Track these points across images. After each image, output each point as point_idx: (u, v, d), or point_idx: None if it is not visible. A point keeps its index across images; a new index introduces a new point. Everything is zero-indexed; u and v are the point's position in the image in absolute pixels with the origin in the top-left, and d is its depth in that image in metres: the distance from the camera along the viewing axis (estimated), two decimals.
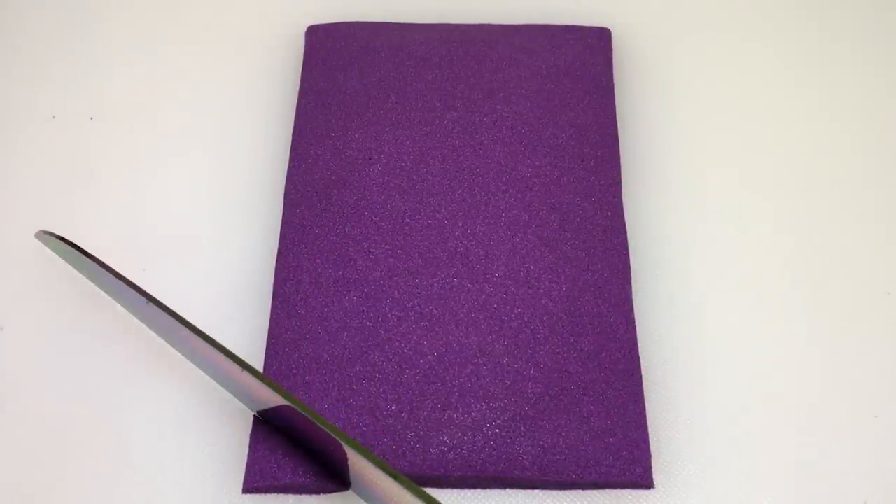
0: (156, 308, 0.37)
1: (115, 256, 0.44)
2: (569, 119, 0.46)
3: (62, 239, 0.40)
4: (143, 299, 0.38)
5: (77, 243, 0.40)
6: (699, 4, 0.54)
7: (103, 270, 0.39)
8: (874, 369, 0.41)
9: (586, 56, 0.49)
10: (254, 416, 0.39)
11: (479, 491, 0.38)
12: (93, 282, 0.43)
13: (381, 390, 0.39)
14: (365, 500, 0.37)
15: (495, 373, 0.39)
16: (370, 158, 0.45)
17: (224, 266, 0.44)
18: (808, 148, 0.48)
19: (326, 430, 0.34)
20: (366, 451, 0.33)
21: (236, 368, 0.36)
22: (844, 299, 0.43)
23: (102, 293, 0.43)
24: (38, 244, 0.44)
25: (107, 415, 0.40)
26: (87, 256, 0.39)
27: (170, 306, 0.43)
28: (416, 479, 0.38)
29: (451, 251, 0.42)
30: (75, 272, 0.44)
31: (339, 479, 0.37)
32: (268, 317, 0.42)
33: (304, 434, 0.37)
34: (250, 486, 0.37)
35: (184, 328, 0.37)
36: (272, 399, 0.36)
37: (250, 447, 0.38)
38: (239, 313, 0.43)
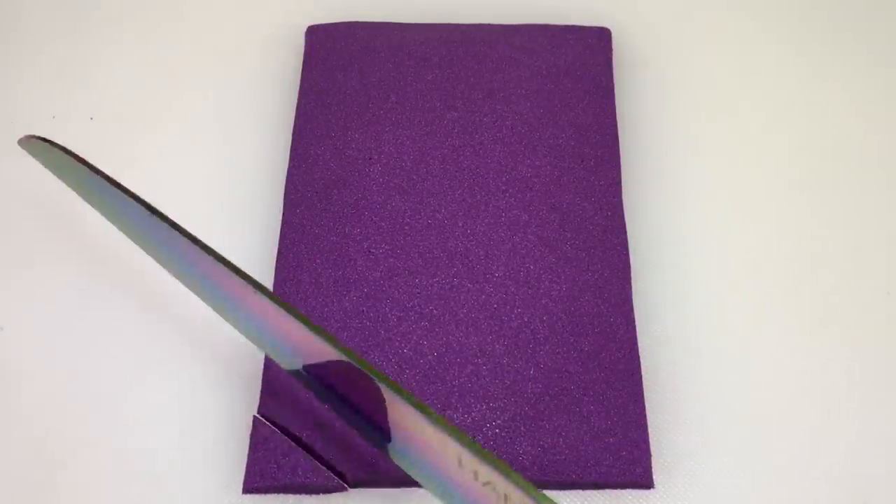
0: (157, 220, 0.33)
1: (115, 256, 0.44)
2: (569, 119, 0.46)
3: (50, 142, 0.36)
4: (145, 210, 0.34)
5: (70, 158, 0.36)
6: (699, 4, 0.54)
7: (98, 178, 0.35)
8: (874, 369, 0.41)
9: (586, 56, 0.49)
10: (254, 416, 0.39)
11: None
12: (84, 196, 0.38)
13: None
14: (403, 458, 0.35)
15: (495, 373, 0.39)
16: (370, 158, 0.45)
17: None
18: (809, 148, 0.48)
19: (370, 373, 0.31)
20: (406, 393, 0.31)
21: (252, 291, 0.32)
22: (844, 299, 0.43)
23: (102, 292, 0.43)
24: (38, 245, 0.44)
25: (106, 415, 0.40)
26: (81, 162, 0.35)
27: (173, 302, 0.43)
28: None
29: (451, 251, 0.42)
30: (73, 269, 0.44)
31: (340, 477, 0.38)
32: None
33: (329, 385, 0.35)
34: (250, 487, 0.37)
35: (190, 244, 0.33)
36: (296, 335, 0.33)
37: (250, 447, 0.38)
38: None
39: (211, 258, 0.33)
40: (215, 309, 0.37)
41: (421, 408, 0.31)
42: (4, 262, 0.44)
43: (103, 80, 0.51)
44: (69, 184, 0.39)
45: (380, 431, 0.35)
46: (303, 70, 0.49)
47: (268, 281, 0.43)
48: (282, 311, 0.32)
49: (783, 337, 0.42)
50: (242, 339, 0.42)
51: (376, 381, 0.32)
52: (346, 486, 0.38)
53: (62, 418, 0.40)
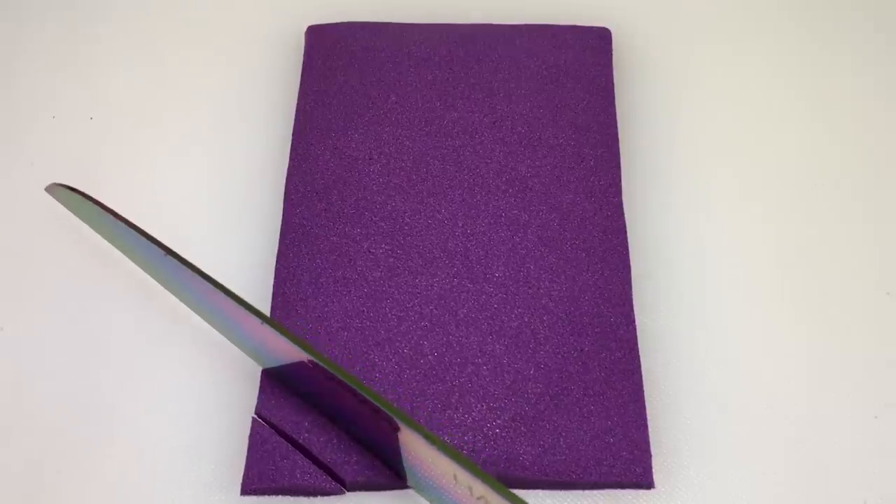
0: (174, 261, 0.37)
1: (116, 256, 0.44)
2: (569, 119, 0.46)
3: (75, 190, 0.40)
4: (161, 252, 0.37)
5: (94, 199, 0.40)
6: (699, 5, 0.54)
7: (118, 222, 0.39)
8: (874, 369, 0.41)
9: (586, 56, 0.49)
10: (252, 418, 0.39)
11: None
12: (105, 237, 0.42)
13: (381, 390, 0.39)
14: (414, 478, 0.37)
15: (495, 373, 0.39)
16: (370, 158, 0.45)
17: (224, 266, 0.44)
18: (809, 148, 0.48)
19: (371, 398, 0.34)
20: (400, 413, 0.33)
21: (258, 323, 0.36)
22: (845, 299, 0.43)
23: (102, 293, 0.43)
24: (39, 245, 0.44)
25: (105, 416, 0.40)
26: (103, 209, 0.39)
27: (172, 304, 0.43)
28: None
29: (451, 251, 0.42)
30: (73, 270, 0.44)
31: (338, 480, 0.38)
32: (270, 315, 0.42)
33: (322, 395, 0.37)
34: (248, 489, 0.37)
35: (208, 284, 0.36)
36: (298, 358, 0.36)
37: (249, 449, 0.38)
38: None
39: (224, 294, 0.36)
40: (227, 336, 0.40)
41: (414, 426, 0.33)
42: (4, 262, 0.44)
43: (103, 80, 0.51)
44: (92, 225, 0.43)
45: (383, 449, 0.36)
46: (303, 70, 0.49)
47: (268, 280, 0.43)
48: (284, 339, 0.35)
49: (783, 336, 0.42)
50: None
51: (374, 401, 0.34)
52: (343, 489, 0.38)
53: (61, 418, 0.40)
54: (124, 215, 0.45)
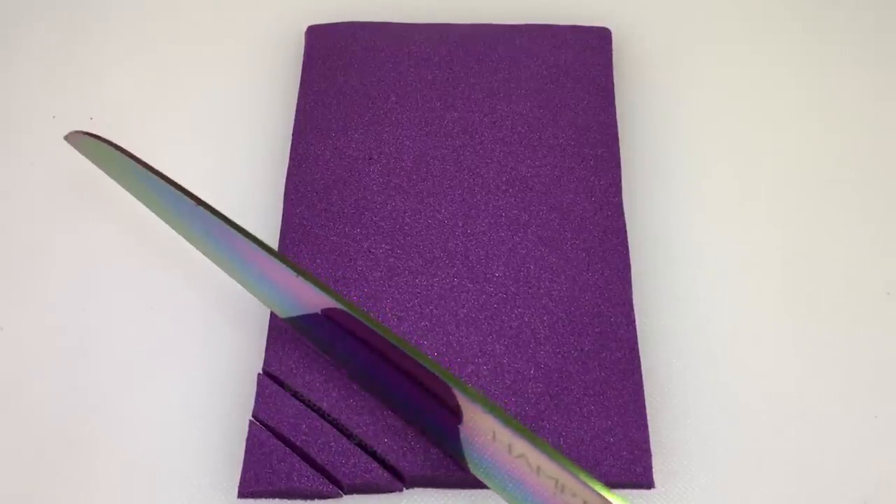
0: (203, 211, 0.36)
1: (114, 258, 0.44)
2: (569, 119, 0.46)
3: (98, 137, 0.39)
4: (191, 202, 0.37)
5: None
6: (699, 5, 0.54)
7: (143, 169, 0.38)
8: (874, 369, 0.41)
9: (586, 56, 0.49)
10: (249, 420, 0.39)
11: (479, 491, 0.38)
12: (126, 187, 0.41)
13: None
14: (438, 434, 0.36)
15: (495, 373, 0.39)
16: (370, 158, 0.45)
17: None
18: (808, 147, 0.48)
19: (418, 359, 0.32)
20: (442, 369, 0.32)
21: (289, 273, 0.35)
22: (844, 299, 0.43)
23: (101, 293, 0.43)
24: (37, 245, 0.44)
25: (104, 417, 0.40)
26: (128, 156, 0.38)
27: (171, 307, 0.43)
28: (417, 480, 0.38)
29: (451, 251, 0.42)
30: (73, 271, 0.44)
31: (335, 483, 0.38)
32: (268, 316, 0.42)
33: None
34: (245, 492, 0.37)
35: (239, 235, 0.36)
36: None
37: (246, 452, 0.38)
38: (240, 313, 0.43)
39: (259, 248, 0.35)
40: (253, 292, 0.39)
41: (455, 383, 0.31)
42: (5, 261, 0.44)
43: (103, 80, 0.51)
44: (113, 176, 0.41)
45: (415, 406, 0.35)
46: (303, 70, 0.49)
47: None
48: (315, 288, 0.34)
49: (783, 337, 0.42)
50: (242, 339, 0.42)
51: (412, 356, 0.32)
52: (340, 492, 0.38)
53: (60, 419, 0.40)
54: (123, 221, 0.45)
